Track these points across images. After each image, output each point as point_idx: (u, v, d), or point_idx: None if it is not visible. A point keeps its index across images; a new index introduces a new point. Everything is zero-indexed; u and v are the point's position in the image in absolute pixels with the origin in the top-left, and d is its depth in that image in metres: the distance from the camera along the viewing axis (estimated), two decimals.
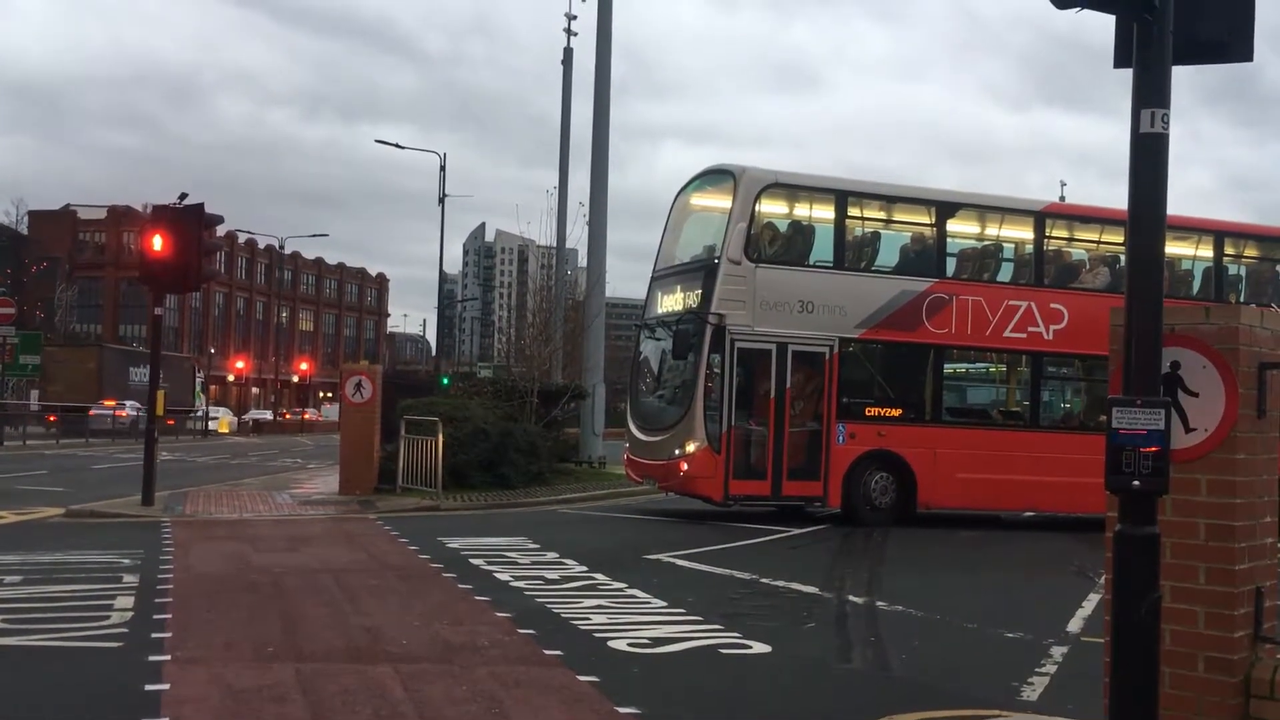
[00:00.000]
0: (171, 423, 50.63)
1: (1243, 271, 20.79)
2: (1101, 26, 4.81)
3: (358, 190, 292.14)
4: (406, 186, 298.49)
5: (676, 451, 17.72)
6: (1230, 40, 4.87)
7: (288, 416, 78.19)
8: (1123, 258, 16.21)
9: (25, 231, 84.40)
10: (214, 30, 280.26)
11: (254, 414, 77.36)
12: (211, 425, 60.45)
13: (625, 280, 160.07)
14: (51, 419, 44.97)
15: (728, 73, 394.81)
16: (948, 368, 19.37)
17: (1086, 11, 4.69)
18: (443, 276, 60.53)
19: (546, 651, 8.09)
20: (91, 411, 46.33)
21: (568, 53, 33.78)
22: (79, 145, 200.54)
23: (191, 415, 58.60)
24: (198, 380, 65.03)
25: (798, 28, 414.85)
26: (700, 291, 18.04)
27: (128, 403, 49.11)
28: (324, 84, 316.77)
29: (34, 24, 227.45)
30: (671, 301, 19.20)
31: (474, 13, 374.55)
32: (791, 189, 18.83)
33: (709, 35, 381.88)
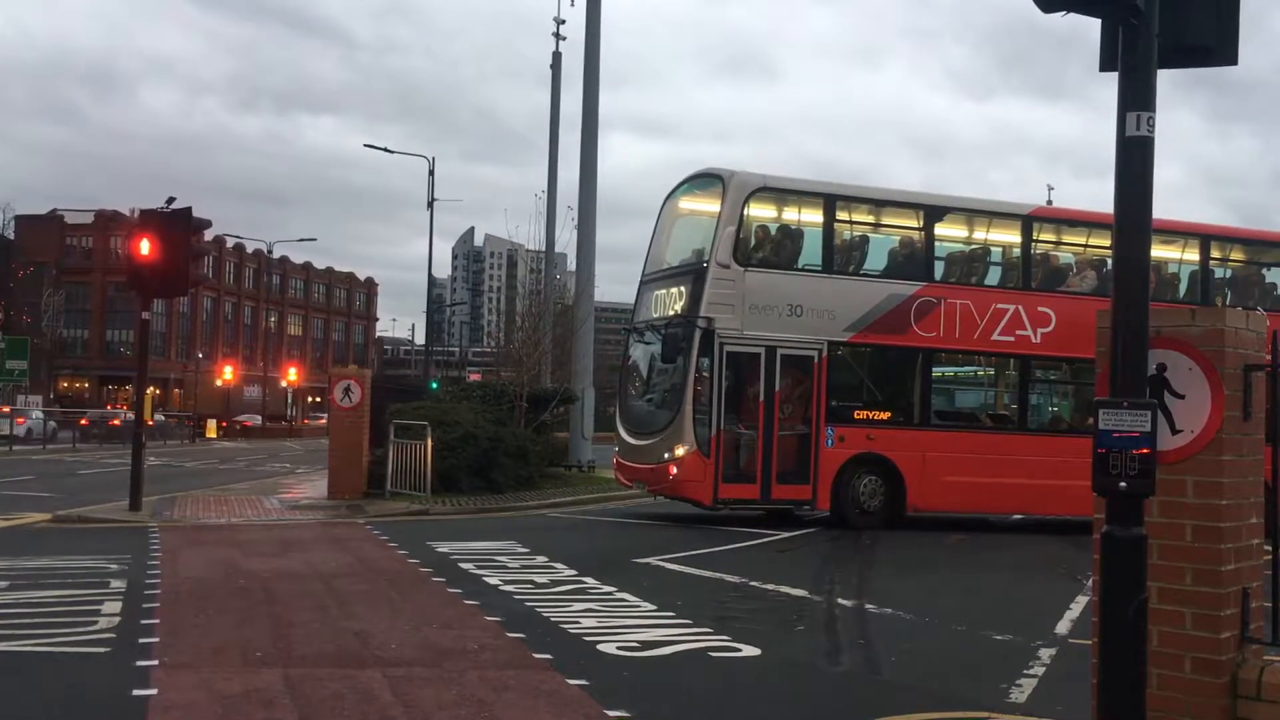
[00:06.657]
0: (250, 423, 73.31)
1: (1229, 275, 20.88)
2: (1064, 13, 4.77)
3: (304, 187, 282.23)
4: (354, 183, 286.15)
5: (666, 455, 17.72)
6: (1215, 44, 4.89)
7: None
8: (1109, 261, 16.27)
9: (12, 236, 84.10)
10: (124, 15, 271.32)
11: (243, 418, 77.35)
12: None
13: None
14: (190, 424, 62.08)
15: (676, 60, 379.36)
16: (936, 371, 19.42)
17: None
18: (431, 281, 60.46)
19: (536, 655, 8.08)
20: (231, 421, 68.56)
21: (556, 57, 33.78)
22: None
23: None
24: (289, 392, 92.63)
25: (737, 8, 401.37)
26: (689, 295, 18.05)
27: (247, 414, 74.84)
28: (252, 73, 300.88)
29: None
30: (660, 305, 19.19)
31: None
32: (780, 193, 18.85)
33: (653, 21, 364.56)
